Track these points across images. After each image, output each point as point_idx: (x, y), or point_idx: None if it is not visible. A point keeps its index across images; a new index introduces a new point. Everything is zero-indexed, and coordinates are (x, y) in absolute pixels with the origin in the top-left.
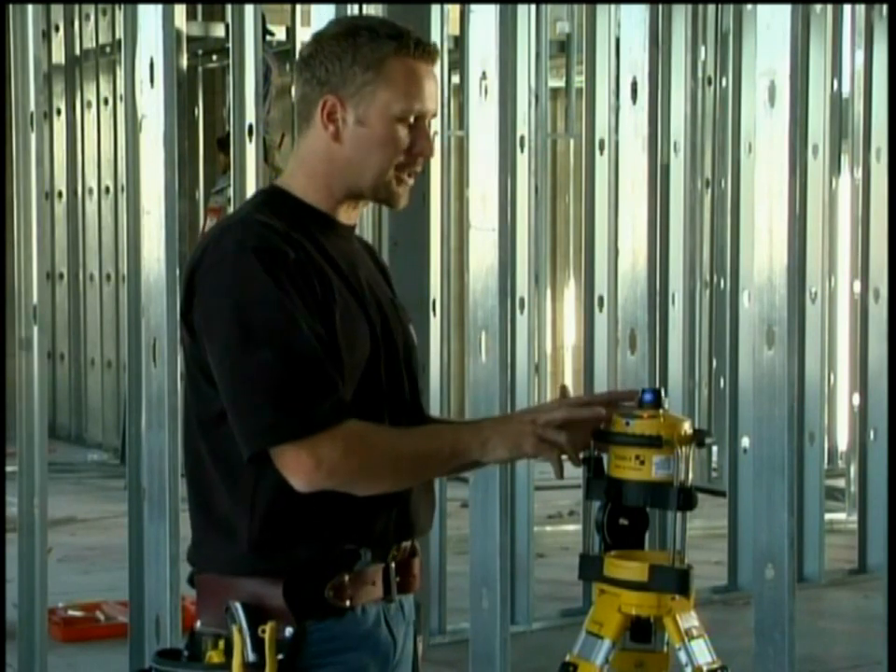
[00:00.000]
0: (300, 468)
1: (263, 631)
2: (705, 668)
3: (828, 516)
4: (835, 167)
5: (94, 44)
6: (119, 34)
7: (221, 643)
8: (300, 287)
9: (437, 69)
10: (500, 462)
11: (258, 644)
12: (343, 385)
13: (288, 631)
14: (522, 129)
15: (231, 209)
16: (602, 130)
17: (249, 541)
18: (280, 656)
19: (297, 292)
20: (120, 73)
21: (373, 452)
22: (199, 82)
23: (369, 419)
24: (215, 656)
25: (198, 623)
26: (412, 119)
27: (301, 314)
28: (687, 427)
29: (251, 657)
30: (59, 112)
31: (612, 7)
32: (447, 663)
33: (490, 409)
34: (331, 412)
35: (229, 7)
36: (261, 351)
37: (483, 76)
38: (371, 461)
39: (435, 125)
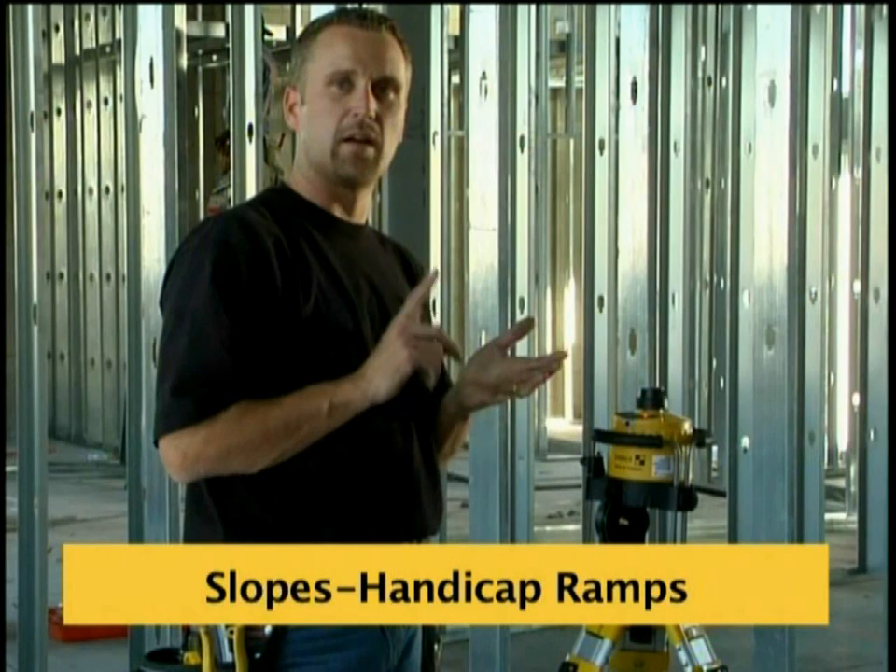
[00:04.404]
0: (169, 461)
1: (232, 631)
2: (705, 668)
3: (828, 516)
4: (835, 167)
5: (94, 44)
6: (119, 34)
7: None
8: (248, 280)
9: (388, 35)
10: (392, 393)
11: (234, 644)
12: (285, 380)
13: (268, 629)
14: (522, 129)
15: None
16: (602, 130)
17: (225, 532)
18: (258, 655)
19: (240, 286)
20: (120, 73)
21: (239, 430)
22: (199, 82)
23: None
24: (192, 657)
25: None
26: (344, 83)
27: (232, 311)
28: (687, 427)
29: (228, 657)
30: (59, 112)
31: (612, 6)
32: (447, 663)
33: (490, 409)
34: (209, 409)
35: (229, 7)
36: (179, 340)
37: (483, 76)
38: (237, 440)
39: (435, 125)
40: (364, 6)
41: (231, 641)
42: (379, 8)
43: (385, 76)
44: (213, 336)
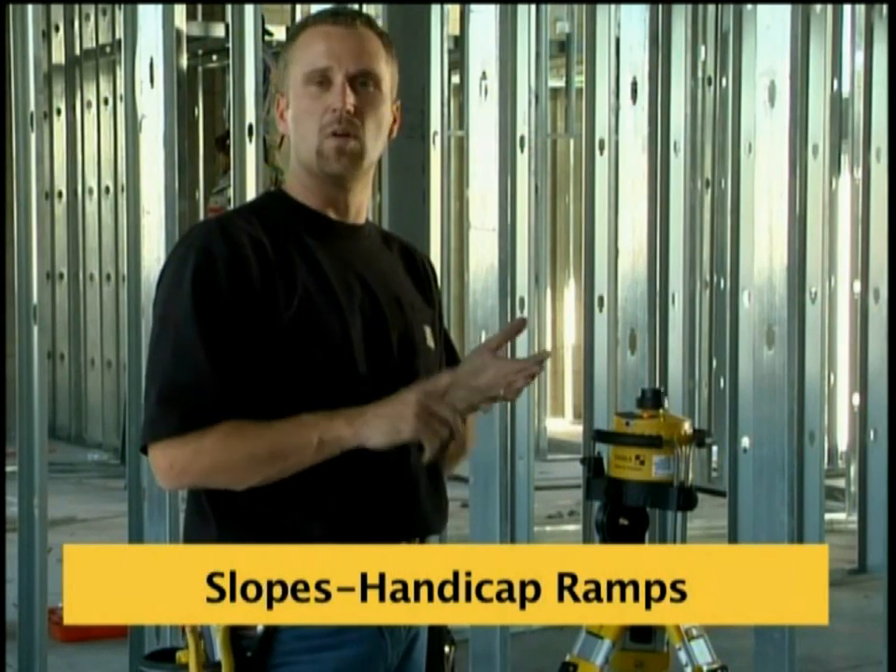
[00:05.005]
0: (157, 468)
1: (217, 630)
2: (705, 668)
3: (828, 516)
4: (835, 167)
5: (94, 44)
6: (119, 34)
7: (203, 643)
8: (227, 287)
9: (364, 29)
10: (382, 448)
11: None
12: (268, 384)
13: (259, 628)
14: (522, 129)
15: (230, 209)
16: (602, 130)
17: (218, 526)
18: (249, 654)
19: (219, 293)
20: (120, 73)
21: (226, 450)
22: (199, 82)
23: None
24: (184, 656)
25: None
26: (323, 81)
27: (212, 319)
28: (687, 427)
29: (218, 656)
30: (59, 112)
31: (612, 6)
32: None
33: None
34: (196, 418)
35: (229, 7)
36: (163, 349)
37: (483, 76)
38: (223, 459)
39: (435, 125)
40: (361, 7)
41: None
42: (379, 8)
43: (361, 69)
44: (195, 345)
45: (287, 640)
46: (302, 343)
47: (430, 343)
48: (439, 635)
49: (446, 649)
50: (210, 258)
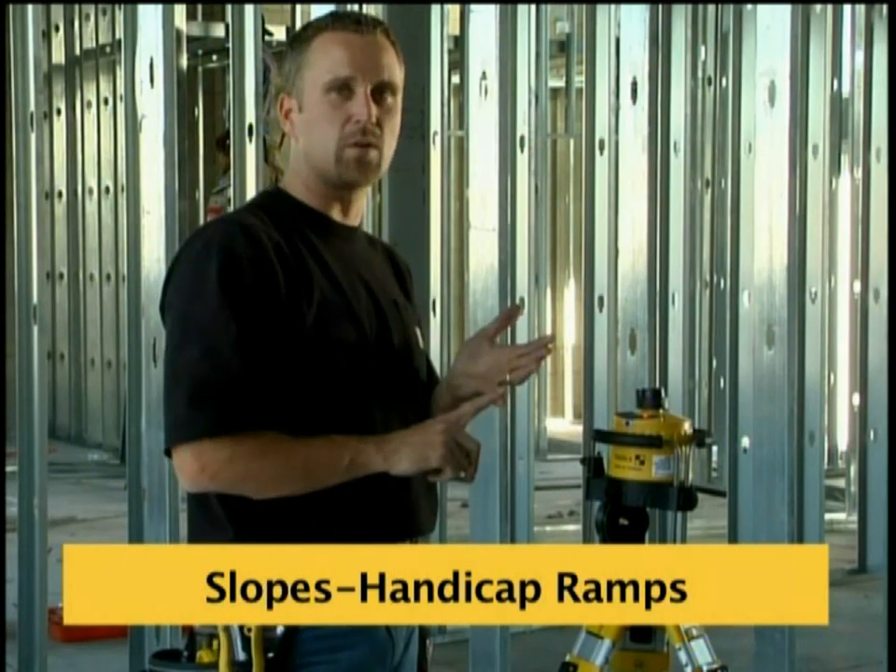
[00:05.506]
0: (185, 470)
1: (249, 630)
2: (705, 668)
3: (828, 516)
4: (835, 167)
5: (94, 44)
6: (119, 34)
7: (216, 643)
8: (254, 287)
9: (383, 39)
10: (409, 475)
11: (248, 643)
12: (289, 387)
13: (280, 629)
14: (522, 129)
15: (230, 209)
16: (602, 130)
17: (235, 533)
18: (270, 654)
19: (246, 293)
20: (120, 73)
21: (260, 461)
22: (199, 82)
23: (355, 418)
24: (205, 656)
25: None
26: (343, 90)
27: (241, 318)
28: (687, 427)
29: (241, 656)
30: (59, 112)
31: (612, 6)
32: (447, 663)
33: (489, 408)
34: (229, 420)
35: (229, 7)
36: (189, 349)
37: (483, 76)
38: (255, 469)
39: (435, 125)
40: (361, 7)
41: (244, 640)
42: (379, 9)
43: (383, 80)
44: (224, 345)
45: (306, 641)
46: (320, 347)
47: (420, 343)
48: (423, 630)
49: (427, 642)
50: (234, 256)
